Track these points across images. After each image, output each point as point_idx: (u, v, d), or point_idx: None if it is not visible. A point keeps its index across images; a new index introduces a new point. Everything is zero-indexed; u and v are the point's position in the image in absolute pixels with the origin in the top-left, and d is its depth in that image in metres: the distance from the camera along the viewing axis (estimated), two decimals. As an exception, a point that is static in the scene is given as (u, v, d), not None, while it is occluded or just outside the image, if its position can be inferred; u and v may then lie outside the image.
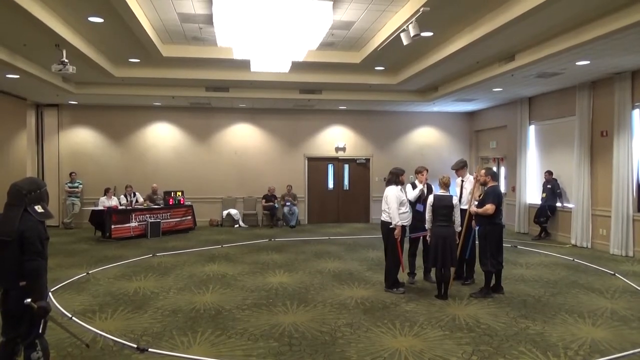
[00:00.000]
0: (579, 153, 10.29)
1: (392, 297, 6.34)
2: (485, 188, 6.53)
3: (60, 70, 7.40)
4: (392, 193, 6.55)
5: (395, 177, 6.69)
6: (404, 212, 6.57)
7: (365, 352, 4.49)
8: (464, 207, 6.89)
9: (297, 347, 4.64)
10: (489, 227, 6.35)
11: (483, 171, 6.62)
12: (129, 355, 4.43)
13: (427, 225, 6.47)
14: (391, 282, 6.66)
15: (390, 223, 6.49)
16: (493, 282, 6.48)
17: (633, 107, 9.10)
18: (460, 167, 7.25)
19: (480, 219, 6.42)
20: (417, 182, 7.22)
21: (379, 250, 8.95)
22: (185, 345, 4.68)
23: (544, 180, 11.37)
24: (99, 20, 7.02)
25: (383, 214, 6.65)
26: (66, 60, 7.39)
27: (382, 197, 6.81)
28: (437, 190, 6.57)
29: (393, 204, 6.46)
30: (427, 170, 7.28)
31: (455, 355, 4.44)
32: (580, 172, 10.24)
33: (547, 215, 11.17)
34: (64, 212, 13.52)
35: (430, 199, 6.39)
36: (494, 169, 9.61)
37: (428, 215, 6.40)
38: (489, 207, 6.24)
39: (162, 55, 8.87)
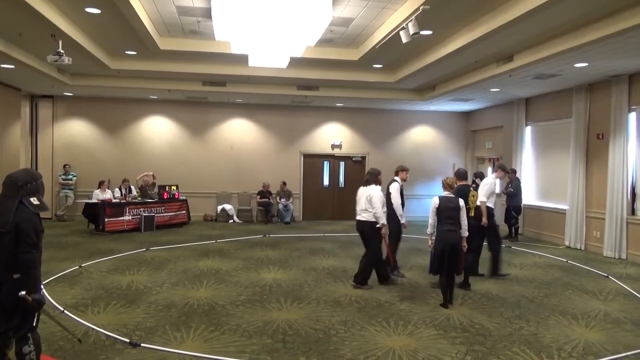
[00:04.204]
0: (574, 155, 10.32)
1: (386, 296, 6.33)
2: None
3: (55, 61, 7.34)
4: (377, 193, 6.60)
5: (375, 177, 6.76)
6: (385, 212, 6.67)
7: (359, 351, 4.48)
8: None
9: (290, 344, 4.62)
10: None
11: (456, 171, 7.02)
12: (121, 349, 4.39)
13: (430, 230, 6.04)
14: (366, 279, 6.72)
15: (374, 223, 6.53)
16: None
17: (629, 111, 9.13)
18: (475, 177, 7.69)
19: None
20: (399, 179, 7.40)
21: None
22: (178, 340, 4.65)
23: (508, 179, 11.44)
24: (96, 11, 6.95)
25: (363, 214, 6.64)
26: (62, 51, 7.33)
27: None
28: (442, 192, 6.11)
29: (378, 204, 6.52)
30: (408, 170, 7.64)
31: (449, 355, 4.43)
32: (576, 174, 10.28)
33: (514, 216, 11.26)
34: (57, 205, 13.42)
35: (436, 201, 5.94)
36: (491, 168, 9.63)
37: (432, 219, 5.98)
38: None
39: (159, 48, 8.80)
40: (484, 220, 7.10)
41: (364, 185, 6.79)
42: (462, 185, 6.81)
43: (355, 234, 11.68)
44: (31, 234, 3.12)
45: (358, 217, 6.74)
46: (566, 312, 5.77)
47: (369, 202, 6.56)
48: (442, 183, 6.17)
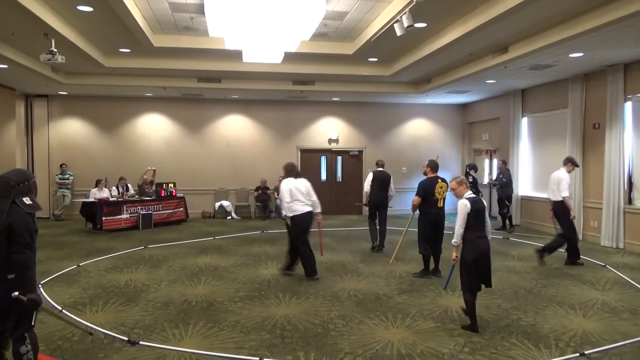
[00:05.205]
0: (571, 145, 10.33)
1: (384, 289, 6.34)
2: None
3: (49, 59, 7.29)
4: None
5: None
6: None
7: (358, 344, 4.49)
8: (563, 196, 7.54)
9: (289, 339, 4.63)
10: (420, 215, 7.01)
11: (427, 162, 7.20)
12: (120, 348, 4.39)
13: (457, 240, 4.89)
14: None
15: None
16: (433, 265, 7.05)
17: (625, 100, 9.12)
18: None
19: (419, 207, 7.00)
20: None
21: (371, 242, 8.97)
22: (176, 337, 4.65)
23: (498, 170, 11.62)
24: (88, 9, 6.90)
25: (305, 206, 6.80)
26: (55, 50, 7.29)
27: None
28: (468, 193, 4.99)
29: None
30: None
31: (448, 347, 4.45)
32: (572, 165, 10.28)
33: (506, 205, 11.32)
34: (54, 204, 13.40)
35: (467, 204, 4.83)
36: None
37: (463, 228, 4.84)
38: (414, 199, 6.97)
39: (153, 45, 8.76)
40: (573, 213, 7.58)
41: (295, 178, 6.92)
42: (433, 177, 7.01)
43: (352, 228, 11.73)
44: (24, 234, 3.10)
45: (308, 209, 6.82)
46: (564, 303, 5.78)
47: (308, 194, 6.86)
48: (461, 184, 5.07)
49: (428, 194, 6.87)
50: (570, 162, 7.81)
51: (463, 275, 4.86)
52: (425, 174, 7.13)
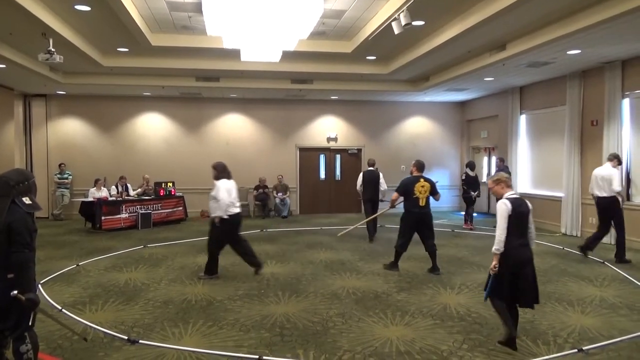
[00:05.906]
0: (569, 142, 10.35)
1: (383, 287, 6.36)
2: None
3: (47, 59, 7.31)
4: None
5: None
6: None
7: (357, 342, 4.50)
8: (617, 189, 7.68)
9: (288, 337, 4.64)
10: (404, 214, 7.18)
11: (414, 161, 7.33)
12: (120, 347, 4.41)
13: (499, 248, 4.28)
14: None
15: None
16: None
17: (623, 97, 9.15)
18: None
19: (404, 206, 7.19)
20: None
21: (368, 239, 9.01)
22: (176, 336, 4.66)
23: (496, 168, 11.66)
24: (86, 8, 6.91)
25: (236, 207, 6.98)
26: (53, 50, 7.29)
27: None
28: (509, 193, 4.46)
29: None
30: None
31: (446, 344, 4.46)
32: (571, 161, 10.31)
33: None
34: (53, 204, 13.41)
35: (508, 205, 4.29)
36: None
37: (505, 233, 4.27)
38: (393, 195, 7.30)
39: (151, 45, 8.76)
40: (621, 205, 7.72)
41: (228, 179, 7.13)
42: (415, 176, 7.16)
43: (351, 227, 11.73)
44: (24, 234, 3.11)
45: (239, 210, 7.03)
46: (562, 299, 5.80)
47: (236, 196, 7.09)
48: (498, 182, 4.54)
49: (407, 191, 7.04)
50: (616, 159, 7.88)
51: (493, 282, 4.36)
52: (411, 172, 7.31)
